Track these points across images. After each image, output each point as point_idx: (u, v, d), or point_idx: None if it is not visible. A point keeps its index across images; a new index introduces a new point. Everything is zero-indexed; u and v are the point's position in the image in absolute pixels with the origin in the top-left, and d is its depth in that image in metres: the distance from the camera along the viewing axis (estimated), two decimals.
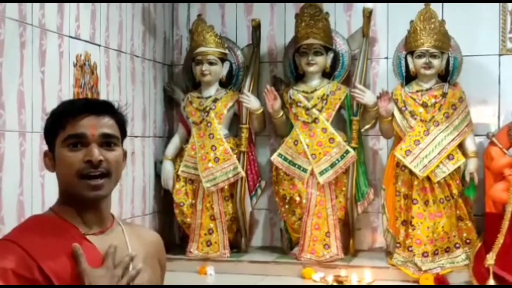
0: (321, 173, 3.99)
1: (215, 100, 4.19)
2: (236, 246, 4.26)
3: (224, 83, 4.28)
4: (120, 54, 3.85)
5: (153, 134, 4.31)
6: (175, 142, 4.33)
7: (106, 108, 1.59)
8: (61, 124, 1.55)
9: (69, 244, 1.50)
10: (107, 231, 1.58)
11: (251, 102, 4.11)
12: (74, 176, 1.51)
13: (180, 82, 4.51)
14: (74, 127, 1.53)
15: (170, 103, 4.51)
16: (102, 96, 3.57)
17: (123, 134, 1.62)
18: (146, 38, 4.21)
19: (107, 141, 1.55)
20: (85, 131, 1.53)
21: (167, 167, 4.26)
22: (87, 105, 1.58)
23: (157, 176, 4.31)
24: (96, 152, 1.51)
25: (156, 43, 4.35)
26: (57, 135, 1.55)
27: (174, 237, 4.53)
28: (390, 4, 4.22)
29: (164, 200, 4.36)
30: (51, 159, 1.58)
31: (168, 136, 4.46)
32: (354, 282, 3.51)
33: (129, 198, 3.96)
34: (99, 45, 3.61)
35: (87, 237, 1.55)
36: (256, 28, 4.26)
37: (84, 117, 1.54)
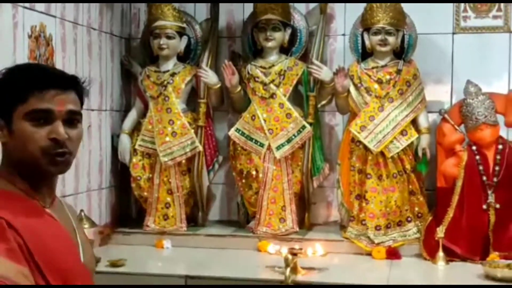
0: (278, 148, 4.03)
1: (173, 75, 4.18)
2: (193, 220, 4.29)
3: (182, 58, 4.26)
4: (76, 26, 3.80)
5: (110, 107, 4.28)
6: (132, 116, 4.31)
7: (71, 82, 1.53)
8: (23, 96, 1.47)
9: (41, 220, 1.50)
10: (55, 204, 1.60)
11: (209, 77, 4.11)
12: (38, 153, 1.48)
13: (137, 55, 4.47)
14: (40, 101, 1.47)
15: (127, 76, 4.47)
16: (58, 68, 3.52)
17: (81, 106, 1.59)
18: (103, 11, 4.16)
19: (71, 118, 1.51)
20: (52, 107, 1.48)
21: (124, 141, 4.24)
22: (54, 79, 1.51)
23: (114, 150, 4.30)
24: (62, 130, 1.48)
25: (113, 16, 4.30)
26: (16, 106, 1.48)
27: (130, 211, 4.52)
28: None
29: (121, 174, 4.35)
30: (2, 128, 1.50)
31: (125, 110, 4.43)
32: (309, 254, 3.57)
33: (86, 172, 3.94)
34: (55, 17, 3.55)
35: (48, 210, 1.55)
36: (214, 3, 4.25)
37: (50, 92, 1.48)
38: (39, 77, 1.51)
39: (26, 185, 1.52)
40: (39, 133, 1.47)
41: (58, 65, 3.56)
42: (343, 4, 4.28)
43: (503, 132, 3.87)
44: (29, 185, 1.52)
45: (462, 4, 4.14)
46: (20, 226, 1.40)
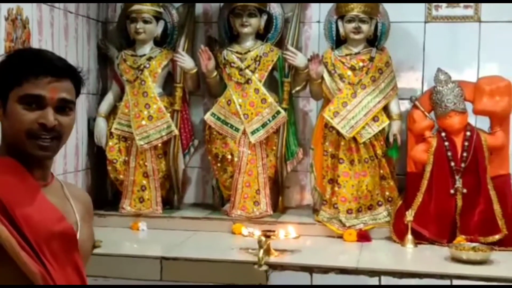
0: (253, 132, 4.10)
1: (149, 59, 4.21)
2: (169, 203, 4.35)
3: (159, 42, 4.30)
4: (53, 9, 3.81)
5: (86, 91, 4.30)
6: (108, 99, 4.34)
7: (67, 71, 1.57)
8: (19, 80, 1.52)
9: (31, 193, 1.53)
10: (48, 185, 1.62)
11: (185, 61, 4.15)
12: (23, 134, 1.52)
13: (113, 39, 4.49)
14: (33, 87, 1.52)
15: (104, 60, 4.49)
16: None
17: (77, 95, 1.63)
18: None
19: (63, 106, 1.55)
20: (44, 93, 1.52)
21: (101, 124, 4.27)
22: (49, 66, 1.54)
23: (90, 133, 4.32)
24: (51, 117, 1.52)
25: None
26: (12, 89, 1.53)
27: (106, 193, 4.57)
28: None
29: (97, 157, 4.39)
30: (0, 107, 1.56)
31: (101, 94, 4.46)
32: (281, 237, 3.66)
33: (62, 154, 3.97)
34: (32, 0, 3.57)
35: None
36: None
37: (45, 78, 1.52)
38: (35, 63, 1.54)
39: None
40: (28, 116, 1.52)
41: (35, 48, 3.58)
42: None
43: (471, 119, 3.97)
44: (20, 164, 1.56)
45: None
46: None
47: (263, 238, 3.33)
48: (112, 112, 4.31)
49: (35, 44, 3.57)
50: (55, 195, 1.61)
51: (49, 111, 1.52)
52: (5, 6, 3.30)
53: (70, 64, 1.60)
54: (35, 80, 1.51)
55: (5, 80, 1.54)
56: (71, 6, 4.05)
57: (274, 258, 3.39)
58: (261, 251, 3.27)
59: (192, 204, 4.53)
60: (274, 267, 3.32)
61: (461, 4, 4.21)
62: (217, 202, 4.36)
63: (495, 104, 3.88)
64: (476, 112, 3.97)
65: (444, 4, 4.23)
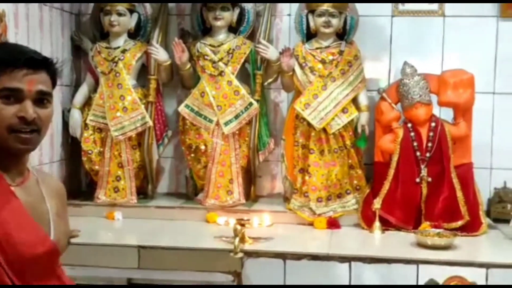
0: (226, 123, 4.20)
1: (123, 51, 4.27)
2: (143, 193, 4.42)
3: (133, 34, 4.36)
4: (28, 2, 3.84)
5: (60, 82, 4.23)
6: (83, 91, 4.39)
7: (43, 63, 1.56)
8: None
9: (12, 210, 1.51)
10: (26, 182, 1.61)
11: (159, 53, 4.22)
12: (4, 130, 1.50)
13: (87, 31, 4.53)
14: (11, 80, 1.50)
15: (78, 52, 4.53)
16: None
17: (53, 86, 1.64)
18: None
19: (41, 98, 1.55)
20: (22, 86, 1.51)
21: (75, 116, 4.32)
22: (26, 59, 1.53)
23: (65, 124, 4.37)
24: (31, 110, 1.51)
25: None
26: None
27: (80, 183, 4.63)
28: None
29: (71, 148, 4.43)
30: None
31: (75, 85, 4.50)
32: (255, 225, 3.77)
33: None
34: None
35: (13, 188, 1.56)
36: None
37: (21, 71, 1.50)
38: (11, 56, 1.52)
39: None
40: (7, 110, 1.51)
41: (11, 41, 3.61)
42: None
43: (436, 110, 4.13)
44: None
45: None
46: None
47: (239, 227, 3.44)
48: (87, 104, 4.36)
49: (11, 37, 3.61)
50: (30, 194, 1.61)
51: (28, 103, 1.52)
52: None
53: (45, 56, 1.59)
54: (12, 73, 1.50)
55: None
56: None
57: (248, 246, 3.50)
58: (237, 239, 3.38)
59: (166, 193, 4.61)
60: (249, 254, 3.42)
61: None
62: (190, 192, 4.46)
63: (458, 96, 4.03)
64: (441, 103, 4.12)
65: None
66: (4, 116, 1.49)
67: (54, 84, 1.64)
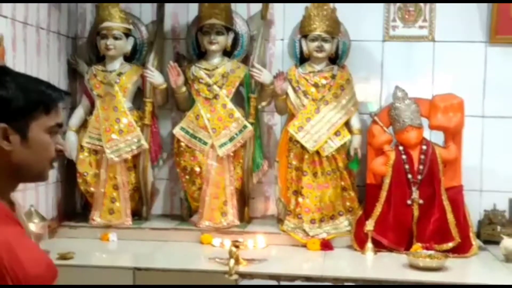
0: (221, 146, 4.25)
1: (119, 74, 4.33)
2: (138, 214, 4.45)
3: (128, 58, 4.42)
4: (26, 26, 3.89)
5: None
6: (79, 113, 4.44)
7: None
8: (48, 108, 1.53)
9: (13, 230, 1.50)
10: (15, 207, 1.61)
11: (155, 77, 4.28)
12: (47, 162, 1.56)
13: (83, 54, 4.59)
14: (58, 115, 1.55)
15: (74, 75, 4.58)
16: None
17: None
18: (51, 11, 4.26)
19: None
20: (61, 121, 1.58)
21: (71, 138, 4.36)
22: (62, 93, 1.58)
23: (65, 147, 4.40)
24: (61, 141, 1.60)
25: (60, 16, 4.40)
26: (36, 117, 1.51)
27: (75, 205, 4.66)
28: None
29: (67, 170, 4.47)
30: (12, 135, 1.48)
31: (71, 108, 4.54)
32: (250, 247, 3.81)
33: None
34: (6, 17, 3.65)
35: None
36: (160, 5, 4.42)
37: (60, 106, 1.57)
38: (57, 91, 1.57)
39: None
40: (52, 145, 1.57)
41: (9, 64, 3.65)
42: (282, 10, 4.52)
43: (426, 134, 4.21)
44: (3, 192, 1.55)
45: (392, 14, 4.47)
46: None
47: (234, 249, 3.48)
48: (82, 126, 4.41)
49: (9, 60, 3.66)
50: (21, 217, 1.62)
51: (59, 136, 1.59)
52: None
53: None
54: (57, 108, 1.55)
55: (27, 106, 1.49)
56: (43, 23, 4.13)
57: (243, 267, 3.54)
58: (232, 260, 3.42)
59: (161, 215, 4.64)
60: (244, 276, 3.46)
61: (417, 25, 4.46)
62: (185, 213, 4.49)
63: (448, 120, 4.12)
64: (432, 127, 4.20)
65: (400, 24, 4.47)
66: (51, 150, 1.56)
67: None
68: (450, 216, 4.01)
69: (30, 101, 1.49)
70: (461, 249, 3.96)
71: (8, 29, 3.68)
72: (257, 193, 4.59)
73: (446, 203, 4.04)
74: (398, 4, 4.45)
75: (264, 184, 4.59)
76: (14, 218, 1.55)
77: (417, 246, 3.93)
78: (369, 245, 3.96)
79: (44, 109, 1.52)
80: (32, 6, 3.97)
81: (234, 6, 4.41)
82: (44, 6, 4.14)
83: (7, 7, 3.66)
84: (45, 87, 1.56)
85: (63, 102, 1.59)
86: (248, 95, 4.35)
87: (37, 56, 4.06)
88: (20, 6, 3.81)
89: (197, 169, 4.29)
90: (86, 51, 4.57)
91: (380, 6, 4.46)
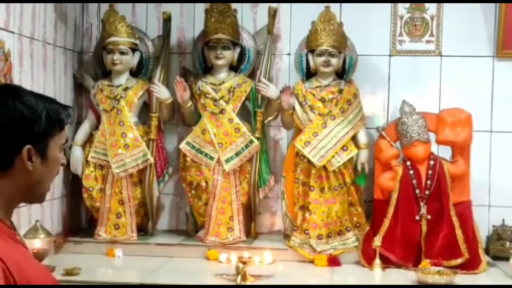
0: (227, 161, 4.23)
1: (125, 89, 4.32)
2: (143, 230, 4.43)
3: (135, 72, 4.41)
4: (32, 41, 3.89)
5: None
6: (84, 128, 4.43)
7: None
8: (61, 125, 1.55)
9: (19, 251, 1.50)
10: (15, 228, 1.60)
11: (161, 92, 4.27)
12: (54, 177, 1.58)
13: (89, 69, 4.58)
14: (65, 131, 1.58)
15: (79, 89, 4.58)
16: (16, 83, 3.61)
17: None
18: (58, 26, 4.26)
19: None
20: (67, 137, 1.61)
21: (77, 153, 4.35)
22: (69, 110, 1.61)
23: (66, 161, 4.38)
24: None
25: (67, 31, 4.41)
26: (53, 135, 1.53)
27: (81, 220, 4.64)
28: (293, 4, 4.50)
29: (72, 185, 4.45)
30: (34, 155, 1.50)
31: (76, 122, 4.52)
32: (256, 263, 3.78)
33: None
34: (13, 33, 3.65)
35: (17, 237, 1.56)
36: (167, 20, 4.41)
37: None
38: (66, 108, 1.59)
39: (2, 213, 1.52)
40: (60, 161, 1.60)
41: (16, 79, 3.66)
42: (288, 25, 4.52)
43: (434, 148, 4.18)
44: (6, 211, 1.53)
45: (398, 29, 4.46)
46: (7, 261, 1.39)
47: (241, 265, 3.45)
48: (88, 141, 4.39)
49: (16, 75, 3.65)
50: (21, 237, 1.62)
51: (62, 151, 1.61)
52: None
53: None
54: (65, 125, 1.58)
55: (47, 125, 1.51)
56: (50, 38, 4.13)
57: (250, 283, 3.51)
58: (239, 277, 3.39)
59: (166, 230, 4.61)
60: None
61: (424, 39, 4.45)
62: (190, 229, 4.46)
63: (456, 135, 4.09)
64: (439, 142, 4.17)
65: (407, 39, 4.47)
66: (59, 166, 1.57)
67: None
68: (458, 232, 3.98)
69: (51, 121, 1.51)
70: (470, 265, 3.92)
71: (15, 44, 3.68)
72: (263, 208, 4.56)
73: (454, 218, 4.01)
74: (405, 18, 4.45)
75: (271, 199, 4.56)
76: (18, 239, 1.55)
77: (425, 262, 3.89)
78: (377, 261, 3.92)
79: (59, 127, 1.55)
80: (39, 21, 3.98)
81: (240, 21, 4.40)
82: (50, 21, 4.14)
83: (14, 22, 3.66)
84: (58, 105, 1.58)
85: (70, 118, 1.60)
86: (254, 110, 4.34)
87: (43, 71, 4.05)
88: (27, 21, 3.81)
89: (203, 184, 4.27)
90: (92, 66, 4.57)
91: (387, 20, 4.45)
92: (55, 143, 1.53)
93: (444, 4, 4.41)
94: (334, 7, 4.29)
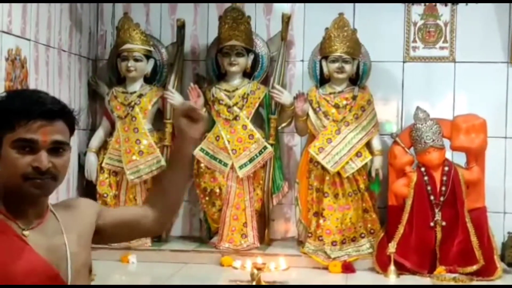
0: (241, 167, 4.24)
1: (140, 96, 4.34)
2: (157, 236, 4.41)
3: (149, 79, 4.43)
4: (48, 48, 3.93)
5: (77, 127, 4.38)
6: (99, 135, 4.45)
7: (59, 113, 1.56)
8: (11, 125, 1.51)
9: (9, 242, 1.52)
10: (44, 222, 1.61)
11: (175, 98, 4.29)
12: (19, 178, 1.51)
13: (104, 76, 4.62)
14: (26, 131, 1.51)
15: (94, 96, 4.61)
16: None
17: (71, 133, 1.62)
18: (73, 33, 4.30)
19: (56, 147, 1.55)
20: (37, 137, 1.51)
21: (91, 159, 4.38)
22: (42, 110, 1.53)
23: (81, 167, 4.41)
24: (45, 160, 1.51)
25: (82, 38, 4.44)
26: (5, 134, 1.52)
27: None
28: (307, 11, 4.52)
29: (86, 191, 4.46)
30: None
31: (91, 129, 4.56)
32: (272, 269, 3.78)
33: None
34: (29, 40, 3.68)
35: (27, 232, 1.56)
36: (180, 27, 4.44)
37: (37, 122, 1.50)
38: (26, 107, 1.52)
39: (10, 206, 1.54)
40: (22, 160, 1.51)
41: (31, 86, 3.68)
42: (302, 31, 4.53)
43: (448, 155, 4.17)
44: (11, 208, 1.55)
45: (412, 35, 4.46)
46: None
47: (256, 271, 3.45)
48: (103, 147, 4.42)
49: (32, 82, 3.68)
50: (47, 233, 1.61)
51: (43, 154, 1.51)
52: (6, 46, 3.41)
53: (64, 104, 1.58)
54: (27, 124, 1.50)
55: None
56: (65, 45, 4.17)
57: None
58: (254, 283, 3.38)
59: (180, 236, 4.62)
60: None
61: (437, 46, 4.45)
62: (204, 235, 4.47)
63: (471, 141, 4.08)
64: (454, 148, 4.16)
65: (421, 45, 4.46)
66: (19, 166, 1.51)
67: (72, 132, 1.63)
68: (473, 238, 3.96)
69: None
70: (486, 272, 3.90)
71: (31, 51, 3.71)
72: (277, 214, 4.55)
73: (469, 225, 3.99)
74: (418, 25, 4.45)
75: (284, 205, 4.56)
76: (13, 232, 1.55)
77: (440, 269, 3.89)
78: (392, 267, 3.91)
79: (8, 124, 1.51)
80: (55, 28, 4.01)
81: (254, 27, 4.41)
82: (65, 28, 4.18)
83: (30, 30, 3.69)
84: (17, 103, 1.54)
85: (35, 118, 1.51)
86: (268, 116, 4.35)
87: (58, 78, 4.09)
88: (42, 29, 3.84)
89: (217, 190, 4.28)
90: (107, 73, 4.60)
91: (401, 27, 4.46)
92: (6, 141, 1.52)
93: (458, 10, 4.41)
94: (348, 13, 4.31)
